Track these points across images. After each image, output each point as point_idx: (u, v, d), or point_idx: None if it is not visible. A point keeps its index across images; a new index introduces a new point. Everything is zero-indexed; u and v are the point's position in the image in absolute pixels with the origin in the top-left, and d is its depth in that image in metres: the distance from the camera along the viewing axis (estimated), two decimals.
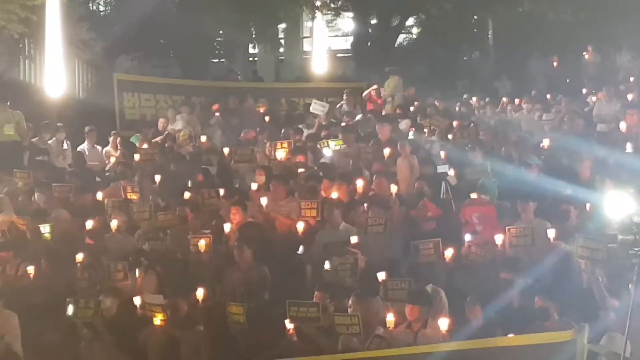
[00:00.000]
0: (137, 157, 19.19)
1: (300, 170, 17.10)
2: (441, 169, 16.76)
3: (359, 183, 15.81)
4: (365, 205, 14.77)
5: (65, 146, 21.04)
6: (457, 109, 24.38)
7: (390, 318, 11.23)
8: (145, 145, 20.21)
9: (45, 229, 14.82)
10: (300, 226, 14.38)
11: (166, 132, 22.36)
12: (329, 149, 18.40)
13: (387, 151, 17.70)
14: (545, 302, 11.01)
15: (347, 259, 12.82)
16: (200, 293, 12.28)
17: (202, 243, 13.75)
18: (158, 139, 21.73)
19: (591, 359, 8.11)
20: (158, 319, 11.74)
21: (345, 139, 18.50)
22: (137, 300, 12.33)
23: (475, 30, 36.20)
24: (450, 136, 19.64)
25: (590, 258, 11.74)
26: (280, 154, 18.01)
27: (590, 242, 11.81)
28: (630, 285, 10.34)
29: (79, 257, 13.74)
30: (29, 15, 23.99)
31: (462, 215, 14.67)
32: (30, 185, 17.40)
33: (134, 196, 16.40)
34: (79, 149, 20.95)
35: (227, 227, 14.63)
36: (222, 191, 15.99)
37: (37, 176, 17.71)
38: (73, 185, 17.37)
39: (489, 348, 8.28)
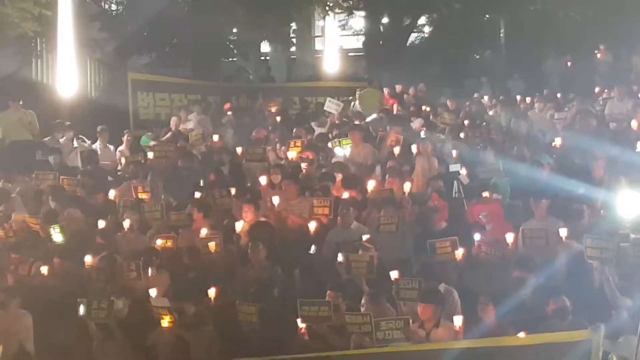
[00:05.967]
0: (150, 155, 19.20)
1: (304, 165, 17.14)
2: (453, 168, 16.76)
3: (371, 183, 15.80)
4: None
5: (75, 144, 21.04)
6: (467, 108, 24.35)
7: None
8: (159, 143, 20.24)
9: (55, 230, 14.81)
10: (312, 225, 14.37)
11: (178, 130, 22.39)
12: (341, 149, 18.39)
13: (398, 150, 17.71)
14: (561, 302, 10.97)
15: (362, 256, 12.81)
16: (212, 292, 12.29)
17: (211, 244, 13.77)
18: (168, 135, 21.76)
19: (603, 358, 8.09)
20: (165, 321, 11.76)
21: (351, 138, 18.48)
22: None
23: (486, 29, 36.14)
24: (462, 135, 19.63)
25: (600, 258, 11.72)
26: (293, 153, 18.03)
27: (599, 242, 11.80)
28: None
29: (92, 257, 13.76)
30: (43, 11, 24.04)
31: (470, 215, 14.68)
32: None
33: (144, 196, 16.41)
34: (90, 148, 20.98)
35: (238, 226, 14.65)
36: (233, 190, 15.99)
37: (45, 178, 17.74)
38: (81, 180, 17.43)
39: (503, 346, 8.24)
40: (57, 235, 14.73)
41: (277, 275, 13.19)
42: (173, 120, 23.21)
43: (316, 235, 14.31)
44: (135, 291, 12.94)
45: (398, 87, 27.09)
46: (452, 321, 10.95)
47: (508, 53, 34.28)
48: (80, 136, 21.57)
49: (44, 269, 13.58)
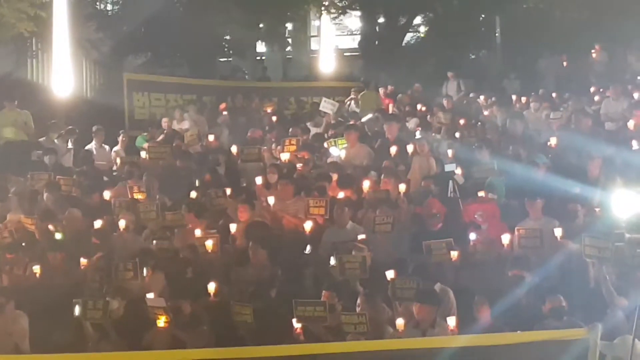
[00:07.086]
0: (143, 154, 19.18)
1: (299, 165, 17.13)
2: (448, 167, 16.76)
3: (366, 183, 15.79)
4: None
5: (69, 145, 20.99)
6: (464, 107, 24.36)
7: (399, 320, 11.22)
8: (154, 144, 20.21)
9: (57, 230, 14.79)
10: (308, 225, 14.36)
11: (172, 130, 22.34)
12: (336, 148, 18.38)
13: (394, 149, 17.71)
14: (557, 302, 10.98)
15: (355, 257, 12.79)
16: (211, 287, 12.30)
17: (209, 243, 13.75)
18: (161, 137, 21.71)
19: (600, 358, 8.09)
20: (161, 321, 11.75)
21: (347, 138, 18.45)
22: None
23: (482, 28, 36.12)
24: (457, 135, 19.63)
25: (597, 257, 11.73)
26: (287, 153, 18.01)
27: (597, 241, 11.81)
28: None
29: (90, 257, 13.75)
30: (39, 12, 24.02)
31: (465, 215, 14.67)
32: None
33: (140, 196, 16.37)
34: (86, 148, 20.93)
35: (232, 227, 14.64)
36: (228, 190, 15.97)
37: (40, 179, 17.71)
38: (77, 180, 17.41)
39: (500, 344, 8.23)
40: (57, 235, 14.74)
41: (277, 276, 13.17)
42: (164, 121, 23.14)
43: (312, 235, 14.30)
44: (131, 291, 12.91)
45: (390, 88, 27.08)
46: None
47: (504, 53, 34.25)
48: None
49: (37, 269, 13.56)
